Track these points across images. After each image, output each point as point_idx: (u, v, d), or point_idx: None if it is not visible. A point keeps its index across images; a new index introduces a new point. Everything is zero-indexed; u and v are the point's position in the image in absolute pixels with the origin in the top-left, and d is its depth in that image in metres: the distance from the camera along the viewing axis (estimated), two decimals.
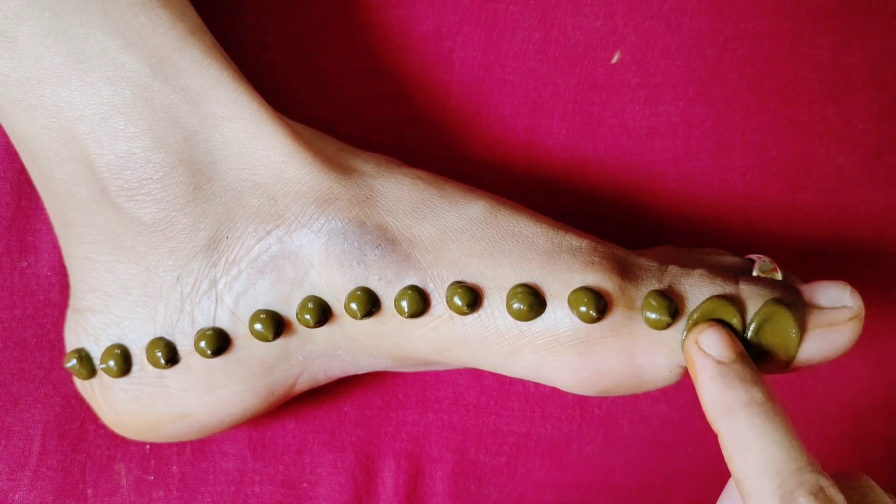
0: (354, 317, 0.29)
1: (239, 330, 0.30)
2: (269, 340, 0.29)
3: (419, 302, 0.28)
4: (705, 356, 0.27)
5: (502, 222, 0.30)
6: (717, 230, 0.37)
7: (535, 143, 0.35)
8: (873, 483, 0.27)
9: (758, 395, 0.26)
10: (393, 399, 0.36)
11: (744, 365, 0.27)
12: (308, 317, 0.29)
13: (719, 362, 0.27)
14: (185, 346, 0.30)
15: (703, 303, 0.29)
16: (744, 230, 0.37)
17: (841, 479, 0.26)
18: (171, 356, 0.30)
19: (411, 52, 0.35)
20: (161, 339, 0.30)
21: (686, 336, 0.28)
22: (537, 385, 0.36)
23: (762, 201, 0.36)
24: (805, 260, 0.37)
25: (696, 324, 0.28)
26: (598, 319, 0.28)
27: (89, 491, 0.34)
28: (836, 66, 0.36)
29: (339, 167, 0.30)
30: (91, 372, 0.31)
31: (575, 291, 0.28)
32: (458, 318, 0.29)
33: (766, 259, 0.31)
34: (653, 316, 0.28)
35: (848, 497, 0.26)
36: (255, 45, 0.34)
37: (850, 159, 0.37)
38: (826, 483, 0.24)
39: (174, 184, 0.28)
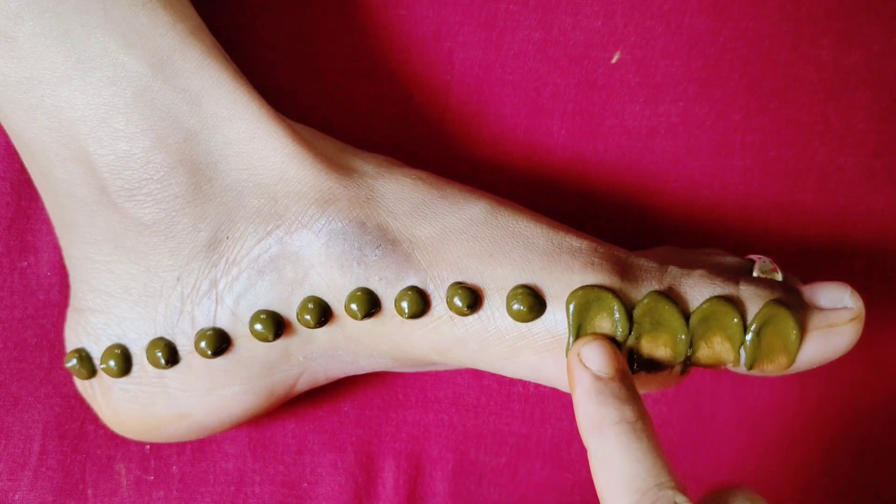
0: (355, 317, 0.29)
1: (239, 330, 0.30)
2: (269, 341, 0.29)
3: (419, 303, 0.28)
4: (584, 370, 0.27)
5: (502, 223, 0.30)
6: (717, 230, 0.37)
7: (535, 143, 0.35)
8: (755, 496, 0.27)
9: (629, 413, 0.26)
10: (393, 399, 0.36)
11: (621, 383, 0.27)
12: (308, 317, 0.29)
13: (597, 378, 0.27)
14: (185, 346, 0.30)
15: (704, 303, 0.29)
16: (744, 230, 0.37)
17: (721, 492, 0.26)
18: (172, 356, 0.30)
19: (411, 52, 0.35)
20: (161, 339, 0.30)
21: (571, 345, 0.28)
22: (537, 386, 0.36)
23: (762, 201, 0.36)
24: (805, 260, 0.37)
25: (577, 338, 0.28)
26: None
27: (89, 491, 0.34)
28: (836, 66, 0.36)
29: (340, 168, 0.30)
30: (91, 372, 0.31)
31: (574, 293, 0.28)
32: (458, 318, 0.29)
33: (767, 260, 0.31)
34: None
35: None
36: (255, 45, 0.34)
37: (850, 159, 0.37)
38: (682, 499, 0.24)
39: (174, 184, 0.28)
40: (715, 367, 0.30)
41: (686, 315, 0.29)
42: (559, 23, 0.35)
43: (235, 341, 0.30)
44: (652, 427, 0.26)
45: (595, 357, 0.27)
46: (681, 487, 0.25)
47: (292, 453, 0.36)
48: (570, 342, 0.29)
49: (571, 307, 0.28)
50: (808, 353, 0.29)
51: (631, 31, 0.35)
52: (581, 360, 0.27)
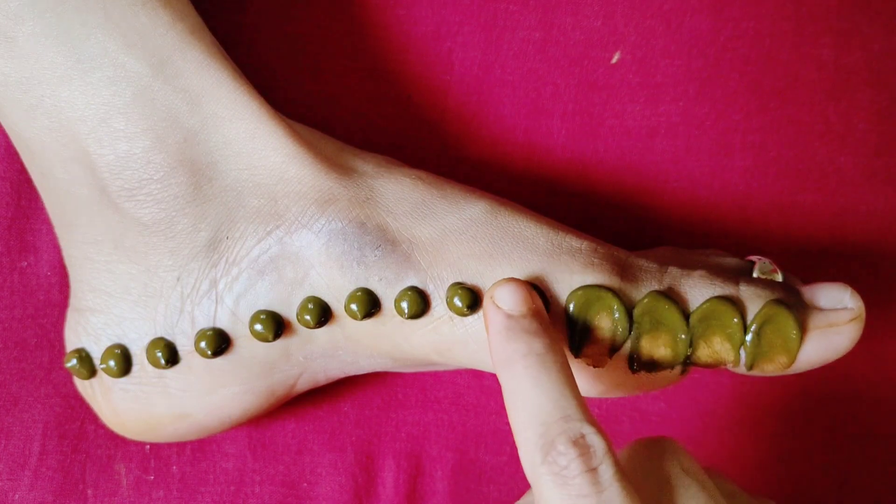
0: (354, 317, 0.29)
1: (239, 330, 0.30)
2: (269, 341, 0.29)
3: (419, 303, 0.28)
4: (497, 309, 0.27)
5: (502, 223, 0.30)
6: (717, 230, 0.37)
7: (535, 143, 0.35)
8: (677, 446, 0.27)
9: (537, 346, 0.26)
10: (393, 399, 0.36)
11: (531, 318, 0.27)
12: (308, 317, 0.29)
13: (508, 316, 0.27)
14: (185, 346, 0.30)
15: (703, 304, 0.29)
16: (744, 230, 0.37)
17: (639, 441, 0.26)
18: (172, 356, 0.30)
19: (411, 52, 0.35)
20: (161, 339, 0.30)
21: (487, 291, 0.28)
22: None
23: (762, 201, 0.36)
24: (805, 260, 0.37)
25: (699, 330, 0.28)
26: None
27: (89, 491, 0.34)
28: (836, 66, 0.36)
29: (340, 168, 0.30)
30: (91, 372, 0.31)
31: (573, 292, 0.28)
32: (458, 319, 0.29)
33: (767, 261, 0.31)
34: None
35: (636, 452, 0.26)
36: (255, 45, 0.34)
37: (851, 159, 0.37)
38: (589, 430, 0.24)
39: (174, 184, 0.28)
40: (715, 367, 0.30)
41: (686, 315, 0.29)
42: (559, 23, 0.35)
43: (235, 341, 0.30)
44: (563, 360, 0.26)
45: (507, 297, 0.27)
46: (590, 419, 0.24)
47: (292, 453, 0.36)
48: (571, 342, 0.29)
49: (571, 307, 0.28)
50: (809, 353, 0.29)
51: (631, 31, 0.35)
52: (494, 301, 0.27)
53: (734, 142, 0.36)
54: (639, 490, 0.24)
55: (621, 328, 0.28)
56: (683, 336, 0.29)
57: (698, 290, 0.29)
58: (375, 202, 0.29)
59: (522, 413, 0.25)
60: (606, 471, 0.23)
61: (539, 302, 0.28)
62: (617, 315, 0.28)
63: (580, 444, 0.23)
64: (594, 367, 0.29)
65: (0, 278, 0.34)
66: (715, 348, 0.29)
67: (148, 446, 0.35)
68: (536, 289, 0.28)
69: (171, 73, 0.28)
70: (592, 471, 0.23)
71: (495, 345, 0.26)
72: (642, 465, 0.26)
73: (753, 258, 0.31)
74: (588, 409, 0.24)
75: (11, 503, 0.34)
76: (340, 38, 0.34)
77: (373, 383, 0.36)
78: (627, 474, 0.24)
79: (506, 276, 0.29)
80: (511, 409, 0.25)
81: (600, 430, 0.24)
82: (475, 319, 0.29)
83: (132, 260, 0.30)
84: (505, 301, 0.27)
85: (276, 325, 0.29)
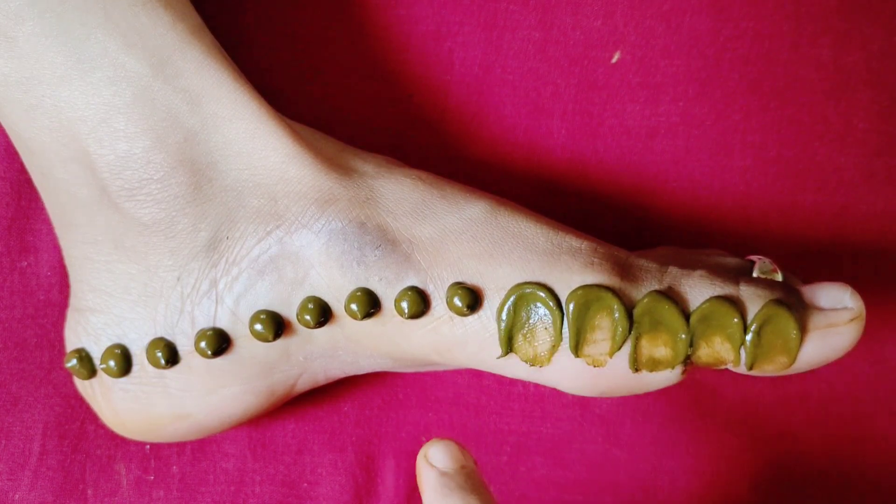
0: (354, 317, 0.29)
1: (239, 330, 0.30)
2: (269, 341, 0.29)
3: (419, 303, 0.28)
4: (430, 468, 0.28)
5: (502, 223, 0.30)
6: (717, 230, 0.37)
7: (535, 143, 0.35)
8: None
9: (472, 501, 0.27)
10: (393, 399, 0.36)
11: (466, 476, 0.28)
12: (308, 317, 0.29)
13: (442, 473, 0.28)
14: (185, 346, 0.30)
15: (703, 304, 0.29)
16: (744, 230, 0.37)
17: None
18: (172, 356, 0.30)
19: (411, 52, 0.35)
20: (161, 339, 0.30)
21: (420, 451, 0.29)
22: (537, 385, 0.36)
23: (762, 201, 0.36)
24: (805, 260, 0.37)
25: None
26: None
27: (89, 491, 0.34)
28: (836, 66, 0.36)
29: (340, 168, 0.30)
30: (91, 372, 0.31)
31: (573, 292, 0.28)
32: (458, 319, 0.29)
33: (767, 260, 0.31)
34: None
35: None
36: (255, 45, 0.34)
37: (850, 159, 0.37)
38: None
39: (174, 184, 0.28)
40: (715, 367, 0.30)
41: (686, 315, 0.29)
42: (559, 23, 0.35)
43: (235, 341, 0.30)
44: None
45: (439, 455, 0.28)
46: None
47: (292, 453, 0.36)
48: (570, 342, 0.29)
49: (571, 307, 0.28)
50: (809, 353, 0.29)
51: (631, 31, 0.35)
52: (427, 461, 0.28)
53: (734, 142, 0.36)
54: None
55: (621, 328, 0.28)
56: (683, 336, 0.29)
57: (698, 290, 0.29)
58: (375, 202, 0.29)
59: None
60: None
61: (471, 460, 0.29)
62: (617, 315, 0.28)
63: None
64: (594, 366, 0.29)
65: (0, 278, 0.34)
66: (715, 348, 0.29)
67: (148, 446, 0.35)
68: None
69: (172, 73, 0.28)
70: None
71: (429, 501, 0.27)
72: None
73: (753, 258, 0.31)
74: None
75: (11, 503, 0.34)
76: (340, 38, 0.34)
77: (373, 383, 0.36)
78: None
79: (506, 276, 0.29)
80: None
81: None
82: (475, 319, 0.29)
83: (132, 260, 0.30)
84: (438, 459, 0.28)
85: (276, 325, 0.29)
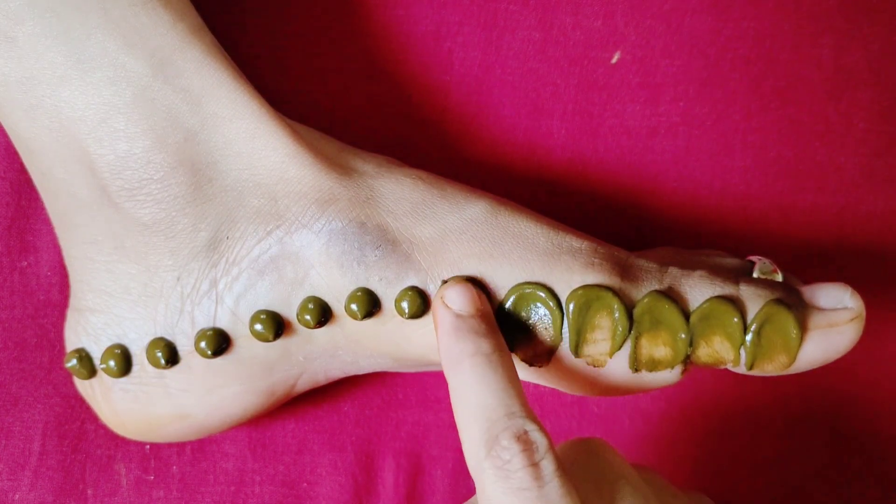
0: (355, 317, 0.29)
1: (239, 330, 0.30)
2: (269, 341, 0.29)
3: (419, 303, 0.28)
4: (446, 309, 0.28)
5: (503, 223, 0.30)
6: (717, 230, 0.37)
7: (535, 143, 0.35)
8: (608, 446, 0.28)
9: (485, 346, 0.26)
10: (393, 399, 0.36)
11: (480, 320, 0.27)
12: (308, 317, 0.29)
13: (457, 316, 0.27)
14: (185, 346, 0.30)
15: (703, 304, 0.29)
16: (744, 230, 0.37)
17: (573, 441, 0.27)
18: (172, 356, 0.30)
19: (411, 52, 0.35)
20: (161, 339, 0.30)
21: (436, 292, 0.29)
22: (537, 385, 0.36)
23: (762, 201, 0.36)
24: (805, 260, 0.37)
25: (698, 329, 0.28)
26: None
27: (89, 491, 0.34)
28: (836, 66, 0.36)
29: (340, 168, 0.30)
30: (91, 372, 0.31)
31: (573, 292, 0.28)
32: None
33: (767, 261, 0.31)
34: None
35: (572, 451, 0.27)
36: (255, 45, 0.34)
37: (851, 159, 0.37)
38: (532, 427, 0.24)
39: (175, 184, 0.28)
40: (715, 367, 0.30)
41: (686, 314, 0.29)
42: (559, 23, 0.35)
43: (235, 341, 0.30)
44: (509, 360, 0.27)
45: (456, 298, 0.28)
46: (532, 416, 0.25)
47: (292, 453, 0.36)
48: (570, 341, 0.29)
49: (571, 307, 0.28)
50: (809, 353, 0.29)
51: (631, 31, 0.35)
52: (444, 302, 0.28)
53: (734, 142, 0.36)
54: (576, 487, 0.25)
55: (621, 328, 0.28)
56: (683, 336, 0.29)
57: (698, 290, 0.29)
58: (376, 202, 0.29)
59: (468, 410, 0.25)
60: (548, 466, 0.24)
61: (486, 304, 0.28)
62: (617, 315, 0.28)
63: (523, 440, 0.24)
64: (594, 366, 0.29)
65: (0, 278, 0.34)
66: (715, 348, 0.29)
67: (148, 446, 0.35)
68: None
69: (172, 73, 0.28)
70: (534, 465, 0.24)
71: (444, 344, 0.27)
72: (578, 463, 0.27)
73: (753, 258, 0.31)
74: (531, 408, 0.25)
75: (11, 503, 0.34)
76: (340, 38, 0.34)
77: (373, 383, 0.36)
78: (567, 471, 0.25)
79: (506, 276, 0.29)
80: (457, 407, 0.26)
81: (542, 428, 0.25)
82: None
83: (132, 260, 0.30)
84: (454, 301, 0.28)
85: (277, 325, 0.29)
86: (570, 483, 0.24)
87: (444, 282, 0.28)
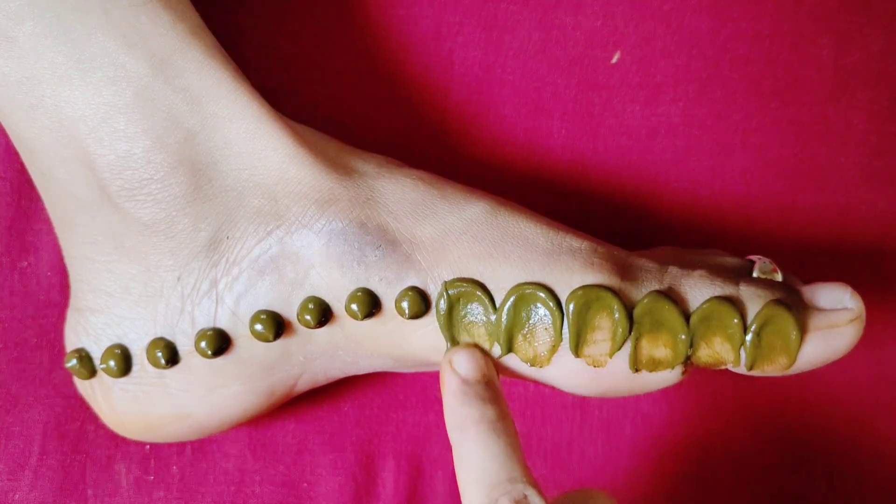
0: (355, 317, 0.29)
1: (239, 330, 0.30)
2: (269, 341, 0.29)
3: (420, 303, 0.28)
4: (453, 374, 0.28)
5: (503, 223, 0.30)
6: (717, 230, 0.37)
7: (535, 143, 0.35)
8: (605, 496, 0.28)
9: (489, 413, 0.27)
10: (393, 399, 0.36)
11: (485, 386, 0.28)
12: (308, 317, 0.29)
13: (464, 381, 0.28)
14: (185, 346, 0.30)
15: (704, 304, 0.29)
16: (744, 230, 0.37)
17: (570, 494, 0.28)
18: (172, 356, 0.30)
19: (411, 52, 0.35)
20: (161, 339, 0.30)
21: (444, 354, 0.29)
22: (537, 386, 0.36)
23: (762, 201, 0.36)
24: (805, 260, 0.37)
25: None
26: None
27: (89, 491, 0.34)
28: (836, 66, 0.36)
29: (340, 168, 0.30)
30: (91, 372, 0.31)
31: (573, 293, 0.28)
32: None
33: (767, 260, 0.31)
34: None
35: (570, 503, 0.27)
36: (255, 45, 0.34)
37: (851, 159, 0.37)
38: (531, 492, 0.25)
39: (175, 184, 0.28)
40: (715, 368, 0.30)
41: (686, 315, 0.29)
42: (559, 23, 0.35)
43: (235, 341, 0.30)
44: (512, 427, 0.27)
45: (463, 362, 0.29)
46: (532, 482, 0.26)
47: (292, 453, 0.36)
48: (570, 342, 0.29)
49: (571, 307, 0.28)
50: (809, 354, 0.29)
51: (631, 31, 0.35)
52: (451, 366, 0.29)
53: (734, 142, 0.36)
54: None
55: (621, 328, 0.28)
56: (684, 336, 0.29)
57: (698, 290, 0.29)
58: (376, 202, 0.29)
59: (470, 474, 0.26)
60: None
61: (492, 369, 0.29)
62: (617, 315, 0.28)
63: (522, 503, 0.25)
64: (594, 367, 0.29)
65: (0, 278, 0.34)
66: (715, 349, 0.29)
67: (148, 446, 0.35)
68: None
69: (172, 73, 0.28)
70: None
71: (449, 407, 0.28)
72: None
73: (753, 258, 0.31)
74: (531, 474, 0.26)
75: (11, 503, 0.34)
76: (340, 38, 0.34)
77: (373, 383, 0.36)
78: None
79: (506, 276, 0.29)
80: (460, 469, 0.27)
81: (541, 493, 0.26)
82: None
83: (132, 260, 0.30)
84: (461, 366, 0.28)
85: (277, 325, 0.29)
86: None
87: (447, 289, 0.29)
